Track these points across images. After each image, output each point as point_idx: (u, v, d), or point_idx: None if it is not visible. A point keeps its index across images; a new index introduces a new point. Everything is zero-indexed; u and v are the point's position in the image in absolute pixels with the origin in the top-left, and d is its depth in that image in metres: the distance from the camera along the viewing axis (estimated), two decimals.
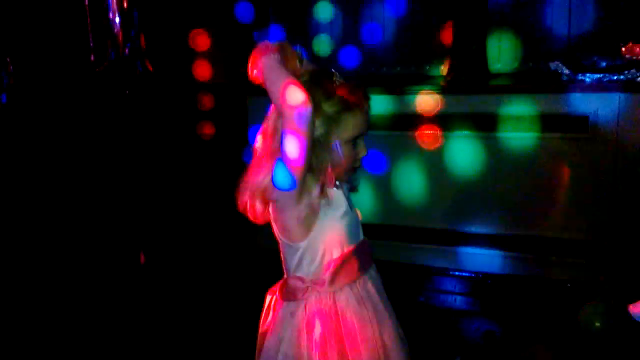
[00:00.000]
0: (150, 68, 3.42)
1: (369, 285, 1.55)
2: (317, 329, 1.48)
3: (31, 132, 3.03)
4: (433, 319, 2.92)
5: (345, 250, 1.51)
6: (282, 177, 1.37)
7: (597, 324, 2.62)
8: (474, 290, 3.23)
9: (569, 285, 3.07)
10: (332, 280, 1.50)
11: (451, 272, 3.40)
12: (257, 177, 1.46)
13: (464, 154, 3.31)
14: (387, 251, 3.44)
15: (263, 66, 1.37)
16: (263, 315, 1.62)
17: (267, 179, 1.44)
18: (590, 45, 3.22)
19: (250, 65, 1.41)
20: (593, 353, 2.50)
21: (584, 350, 2.52)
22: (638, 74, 2.95)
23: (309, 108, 1.30)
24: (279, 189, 1.39)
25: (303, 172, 1.37)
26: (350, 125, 1.43)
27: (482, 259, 3.34)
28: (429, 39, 3.62)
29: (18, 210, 2.97)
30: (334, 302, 1.49)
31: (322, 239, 1.49)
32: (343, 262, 1.50)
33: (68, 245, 3.15)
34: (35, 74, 3.04)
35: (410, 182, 3.44)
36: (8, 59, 2.84)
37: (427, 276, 3.38)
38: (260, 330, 1.61)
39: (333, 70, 1.47)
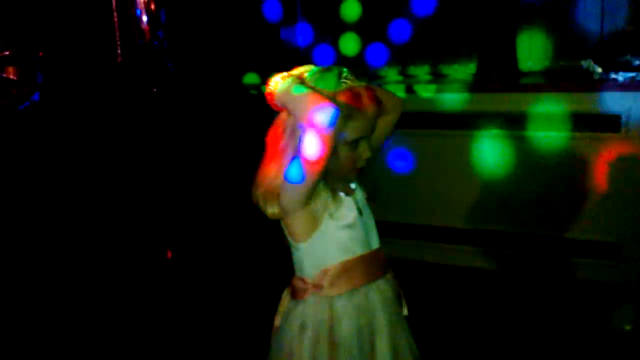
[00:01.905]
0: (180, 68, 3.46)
1: (374, 295, 1.52)
2: (309, 332, 1.48)
3: (61, 129, 3.07)
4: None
5: (349, 257, 1.50)
6: (295, 173, 1.37)
7: (628, 327, 2.60)
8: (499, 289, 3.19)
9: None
10: (331, 286, 1.49)
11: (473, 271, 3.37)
12: (270, 174, 1.46)
13: (493, 153, 3.27)
14: (412, 250, 3.43)
15: (280, 94, 1.41)
16: (277, 311, 1.64)
17: (280, 177, 1.43)
18: (623, 43, 3.15)
19: (269, 99, 1.45)
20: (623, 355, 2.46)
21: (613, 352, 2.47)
22: None
23: (336, 112, 1.29)
24: (290, 182, 1.39)
25: (318, 174, 1.37)
26: (349, 129, 1.41)
27: (508, 258, 3.31)
28: (459, 36, 3.59)
29: (48, 204, 3.02)
30: (330, 307, 1.48)
31: (323, 243, 1.48)
32: (344, 269, 1.49)
33: (98, 240, 3.20)
34: (63, 71, 3.08)
35: (438, 181, 3.42)
36: (41, 54, 2.87)
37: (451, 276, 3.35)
38: (275, 324, 1.63)
39: (344, 69, 1.44)
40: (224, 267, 3.44)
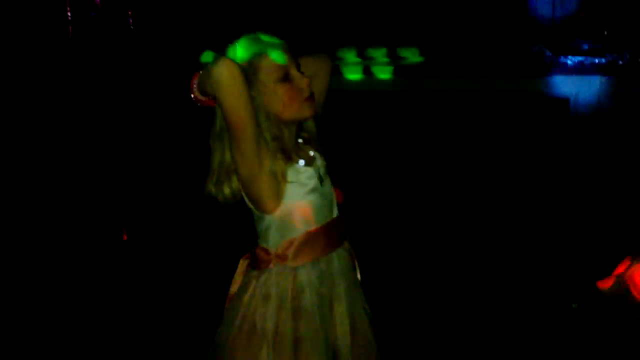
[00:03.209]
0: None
1: (335, 263, 1.55)
2: (273, 302, 1.49)
3: (13, 110, 3.00)
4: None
5: (312, 228, 1.51)
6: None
7: (574, 305, 2.67)
8: None
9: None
10: (295, 257, 1.50)
11: None
12: (218, 158, 1.49)
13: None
14: None
15: (195, 85, 1.44)
16: (233, 279, 1.64)
17: (227, 155, 1.47)
18: (574, 28, 3.22)
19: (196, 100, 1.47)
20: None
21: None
22: (619, 57, 2.97)
23: (225, 68, 1.34)
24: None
25: (248, 122, 1.39)
26: (267, 68, 1.45)
27: None
28: (413, 20, 3.61)
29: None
30: (294, 278, 1.50)
31: (288, 214, 1.49)
32: (308, 239, 1.51)
33: (52, 223, 3.14)
34: (10, 46, 3.01)
35: None
36: None
37: None
38: (229, 293, 1.63)
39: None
40: (178, 245, 3.43)
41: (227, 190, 1.51)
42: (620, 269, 2.02)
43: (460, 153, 3.33)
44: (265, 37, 1.48)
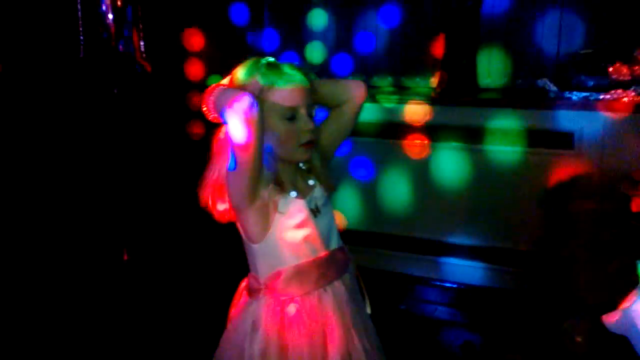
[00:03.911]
0: (149, 68, 3.42)
1: (328, 298, 1.50)
2: (260, 334, 1.46)
3: (17, 127, 3.00)
4: (413, 327, 2.93)
5: (302, 260, 1.48)
6: (231, 162, 1.39)
7: (579, 339, 2.65)
8: (455, 301, 3.24)
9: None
10: (283, 289, 1.47)
11: (433, 282, 3.41)
12: (213, 173, 1.49)
13: (451, 164, 3.34)
14: (371, 258, 3.46)
15: (211, 101, 1.42)
16: (232, 301, 1.63)
17: (222, 174, 1.46)
18: (578, 64, 3.26)
19: (206, 114, 1.46)
20: None
21: None
22: (624, 94, 3.01)
23: (246, 100, 1.32)
24: (229, 171, 1.40)
25: (252, 161, 1.37)
26: (276, 101, 1.42)
27: (465, 270, 3.37)
28: (421, 50, 3.66)
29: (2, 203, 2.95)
30: (282, 311, 1.47)
31: (275, 245, 1.46)
32: (296, 272, 1.47)
33: (53, 241, 3.12)
34: (22, 67, 3.02)
35: (397, 190, 3.46)
36: None
37: (410, 285, 3.39)
38: (229, 314, 1.62)
39: (266, 55, 1.49)
40: (180, 266, 3.40)
41: (220, 208, 1.50)
42: (626, 303, 2.01)
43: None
44: (287, 68, 1.45)
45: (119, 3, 3.36)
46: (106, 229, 3.30)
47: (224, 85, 1.46)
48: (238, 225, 1.51)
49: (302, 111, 1.44)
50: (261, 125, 1.34)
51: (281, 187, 1.47)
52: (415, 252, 3.47)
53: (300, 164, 1.55)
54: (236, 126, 1.32)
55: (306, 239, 1.48)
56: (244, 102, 1.31)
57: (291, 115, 1.43)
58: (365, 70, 3.79)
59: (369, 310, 1.65)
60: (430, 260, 3.44)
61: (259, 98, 1.38)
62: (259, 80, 1.42)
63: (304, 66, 1.52)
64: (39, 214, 3.07)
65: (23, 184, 3.02)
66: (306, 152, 1.48)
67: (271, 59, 1.47)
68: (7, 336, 2.66)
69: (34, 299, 2.92)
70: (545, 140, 3.15)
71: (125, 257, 3.37)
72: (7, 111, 2.97)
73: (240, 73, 1.46)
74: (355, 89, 1.58)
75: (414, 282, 3.40)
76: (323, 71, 3.71)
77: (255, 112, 1.31)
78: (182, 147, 3.51)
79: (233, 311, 1.61)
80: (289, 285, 1.47)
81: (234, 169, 1.37)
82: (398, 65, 3.76)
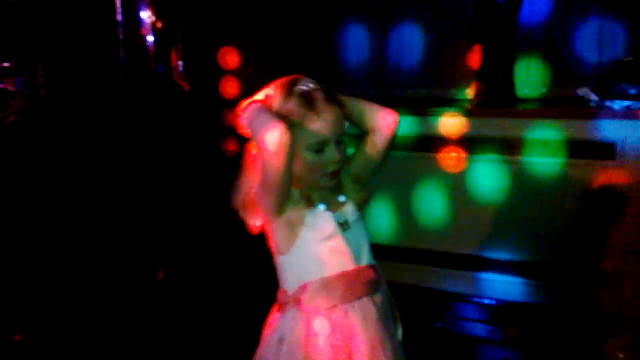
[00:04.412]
0: (187, 88, 3.49)
1: (354, 314, 1.48)
2: (285, 347, 1.47)
3: (58, 143, 3.09)
4: (450, 345, 2.88)
5: (329, 274, 1.48)
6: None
7: (621, 356, 2.57)
8: (493, 318, 3.17)
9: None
10: (310, 301, 1.48)
11: (470, 298, 3.34)
12: (246, 183, 1.51)
13: (488, 177, 3.27)
14: (407, 274, 3.42)
15: (246, 119, 1.44)
16: (266, 320, 1.64)
17: (255, 187, 1.48)
18: (619, 72, 3.16)
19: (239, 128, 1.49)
20: None
21: None
22: None
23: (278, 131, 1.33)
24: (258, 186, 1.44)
25: (281, 185, 1.39)
26: (306, 132, 1.43)
27: (503, 285, 3.29)
28: (457, 62, 3.62)
29: (43, 219, 3.03)
30: (307, 323, 1.47)
31: (302, 257, 1.48)
32: (322, 285, 1.47)
33: (89, 259, 3.19)
34: (64, 89, 3.11)
35: (433, 204, 3.41)
36: (40, 67, 2.90)
37: (446, 301, 3.32)
38: (262, 333, 1.63)
39: (305, 78, 1.48)
40: (215, 282, 3.43)
41: (252, 220, 1.52)
42: None
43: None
44: (321, 101, 1.46)
45: (158, 25, 3.45)
46: (142, 247, 3.36)
47: (257, 102, 1.47)
48: (268, 238, 1.53)
49: (331, 143, 1.45)
50: (290, 154, 1.36)
51: (309, 201, 1.48)
52: (452, 267, 3.41)
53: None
54: (266, 152, 1.35)
55: (333, 251, 1.48)
56: (276, 132, 1.32)
57: (320, 148, 1.45)
58: (400, 82, 3.77)
59: (400, 337, 1.62)
60: (467, 276, 3.37)
61: (291, 125, 1.38)
62: (292, 108, 1.43)
63: (337, 88, 1.52)
64: (78, 232, 3.15)
65: (63, 202, 3.10)
66: (331, 180, 1.50)
67: (305, 87, 1.47)
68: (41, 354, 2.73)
69: (67, 315, 3.00)
70: (585, 151, 3.05)
71: (161, 275, 3.43)
72: (51, 132, 3.06)
73: (274, 96, 1.47)
74: (384, 118, 1.57)
75: (451, 298, 3.33)
76: (357, 84, 3.71)
77: (285, 142, 1.33)
78: (216, 164, 3.56)
79: (265, 330, 1.62)
80: (315, 298, 1.48)
81: (263, 186, 1.41)
82: (433, 77, 3.72)
